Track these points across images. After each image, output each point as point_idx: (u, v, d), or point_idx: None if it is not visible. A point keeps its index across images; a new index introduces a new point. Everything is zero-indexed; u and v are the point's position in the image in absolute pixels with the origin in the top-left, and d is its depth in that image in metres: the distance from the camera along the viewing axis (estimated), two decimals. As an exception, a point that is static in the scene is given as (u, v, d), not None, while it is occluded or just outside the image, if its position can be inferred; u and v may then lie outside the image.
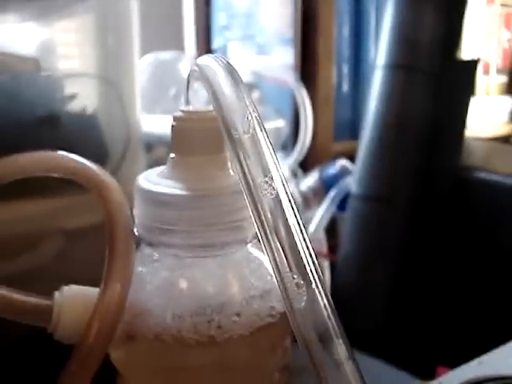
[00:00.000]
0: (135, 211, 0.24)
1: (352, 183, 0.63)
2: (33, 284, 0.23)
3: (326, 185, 0.67)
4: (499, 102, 1.18)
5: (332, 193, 0.65)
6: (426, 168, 0.62)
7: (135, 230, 0.24)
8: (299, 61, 0.81)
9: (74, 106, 0.39)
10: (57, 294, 0.23)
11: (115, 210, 0.23)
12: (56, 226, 0.36)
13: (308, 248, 0.18)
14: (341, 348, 0.18)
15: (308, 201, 0.67)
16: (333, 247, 0.65)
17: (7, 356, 0.32)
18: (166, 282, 0.23)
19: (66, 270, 0.35)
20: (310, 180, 0.68)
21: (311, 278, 0.18)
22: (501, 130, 1.13)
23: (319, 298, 0.18)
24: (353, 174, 0.64)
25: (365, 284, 0.62)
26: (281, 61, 0.82)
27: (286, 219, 0.19)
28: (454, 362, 0.41)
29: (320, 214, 0.64)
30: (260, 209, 0.19)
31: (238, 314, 0.22)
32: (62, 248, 0.36)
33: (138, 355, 0.24)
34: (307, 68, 0.81)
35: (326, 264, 0.63)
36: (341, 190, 0.65)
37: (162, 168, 0.24)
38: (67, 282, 0.24)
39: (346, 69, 0.89)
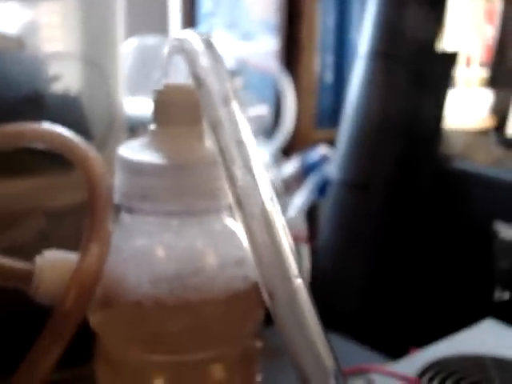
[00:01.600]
0: (115, 180, 0.24)
1: (332, 169, 0.64)
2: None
3: (306, 171, 0.68)
4: (480, 94, 1.19)
5: (312, 179, 0.66)
6: (405, 156, 0.63)
7: (115, 197, 0.24)
8: (283, 48, 0.82)
9: (58, 87, 0.39)
10: (38, 257, 0.24)
11: (97, 179, 0.24)
12: (38, 204, 0.36)
13: (277, 212, 0.19)
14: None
15: (289, 186, 0.68)
16: (313, 232, 0.66)
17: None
18: (144, 248, 0.24)
19: (47, 249, 0.35)
20: (291, 166, 0.69)
21: (283, 243, 0.19)
22: (481, 122, 1.15)
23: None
24: (333, 160, 0.65)
25: (342, 268, 0.63)
26: (265, 48, 0.83)
27: (258, 187, 0.20)
28: (427, 344, 0.43)
29: (300, 199, 0.65)
30: (234, 177, 0.20)
31: (213, 279, 0.23)
32: (44, 227, 0.37)
33: (115, 320, 0.24)
34: (291, 56, 0.82)
35: (306, 249, 0.64)
36: (321, 176, 0.66)
37: (142, 139, 0.25)
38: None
39: (329, 58, 0.90)
